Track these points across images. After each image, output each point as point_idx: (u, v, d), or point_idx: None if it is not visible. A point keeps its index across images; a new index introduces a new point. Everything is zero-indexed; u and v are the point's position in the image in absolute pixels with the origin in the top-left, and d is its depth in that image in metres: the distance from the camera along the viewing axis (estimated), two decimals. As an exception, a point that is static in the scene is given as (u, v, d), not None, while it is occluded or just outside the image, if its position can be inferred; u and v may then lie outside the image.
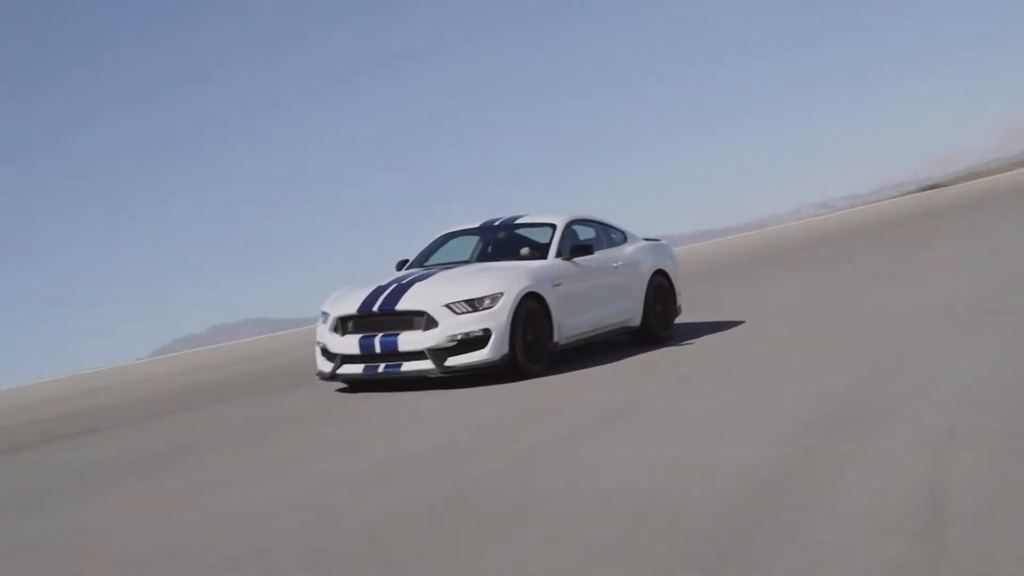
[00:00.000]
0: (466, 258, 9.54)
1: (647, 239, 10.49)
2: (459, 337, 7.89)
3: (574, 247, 9.02)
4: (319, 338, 8.55)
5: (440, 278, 8.39)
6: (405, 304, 8.06)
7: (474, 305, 7.93)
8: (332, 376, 8.36)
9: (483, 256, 9.50)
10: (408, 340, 7.97)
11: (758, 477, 4.09)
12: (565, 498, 4.10)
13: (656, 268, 10.05)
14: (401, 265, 9.57)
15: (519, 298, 8.07)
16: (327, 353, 8.44)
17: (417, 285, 8.25)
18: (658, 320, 9.93)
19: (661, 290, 10.05)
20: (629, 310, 9.63)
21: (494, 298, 7.97)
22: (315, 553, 3.69)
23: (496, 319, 7.92)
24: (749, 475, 4.13)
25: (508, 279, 8.16)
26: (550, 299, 8.42)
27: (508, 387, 7.77)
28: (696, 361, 8.26)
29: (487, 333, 7.89)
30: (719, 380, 7.19)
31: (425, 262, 9.55)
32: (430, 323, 7.94)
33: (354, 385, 8.58)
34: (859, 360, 7.10)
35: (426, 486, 4.61)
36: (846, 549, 3.10)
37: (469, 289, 8.03)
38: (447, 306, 7.94)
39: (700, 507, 3.72)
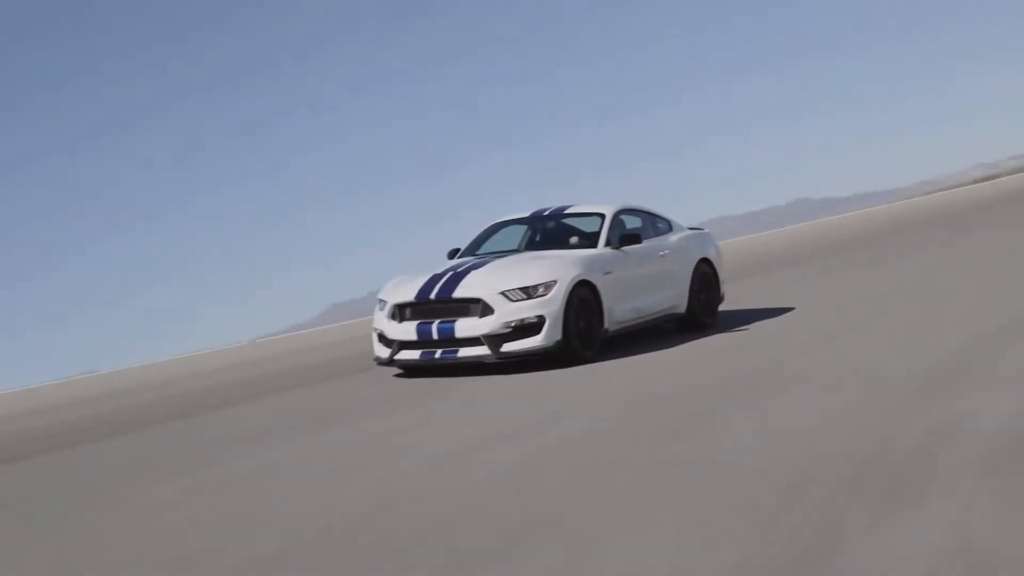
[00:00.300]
0: (515, 247, 9.76)
1: (691, 228, 10.69)
2: (514, 324, 8.13)
3: (623, 236, 9.23)
4: (376, 325, 8.81)
5: (494, 266, 8.62)
6: (462, 292, 8.29)
7: (528, 292, 8.16)
8: (390, 361, 8.62)
9: (532, 245, 9.72)
10: (465, 326, 8.21)
11: (940, 365, 6.03)
12: (807, 379, 6.09)
13: (701, 256, 10.26)
14: (453, 254, 9.80)
15: (572, 286, 8.29)
16: (384, 339, 8.70)
17: (473, 273, 8.49)
18: (703, 307, 10.14)
19: (705, 278, 10.26)
20: (675, 297, 9.84)
21: (547, 286, 8.19)
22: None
23: (550, 306, 8.15)
24: (934, 365, 6.04)
25: (561, 267, 8.38)
26: (601, 286, 8.64)
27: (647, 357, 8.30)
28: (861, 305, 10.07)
29: (541, 320, 8.12)
30: (885, 322, 8.54)
31: (477, 251, 9.78)
32: (486, 310, 8.17)
33: (411, 371, 8.85)
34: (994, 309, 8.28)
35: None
36: (1004, 388, 5.13)
37: (523, 277, 8.25)
38: (502, 294, 8.17)
39: (908, 374, 5.82)
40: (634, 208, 9.94)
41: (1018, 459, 3.78)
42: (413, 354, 8.48)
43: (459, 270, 8.65)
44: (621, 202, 9.83)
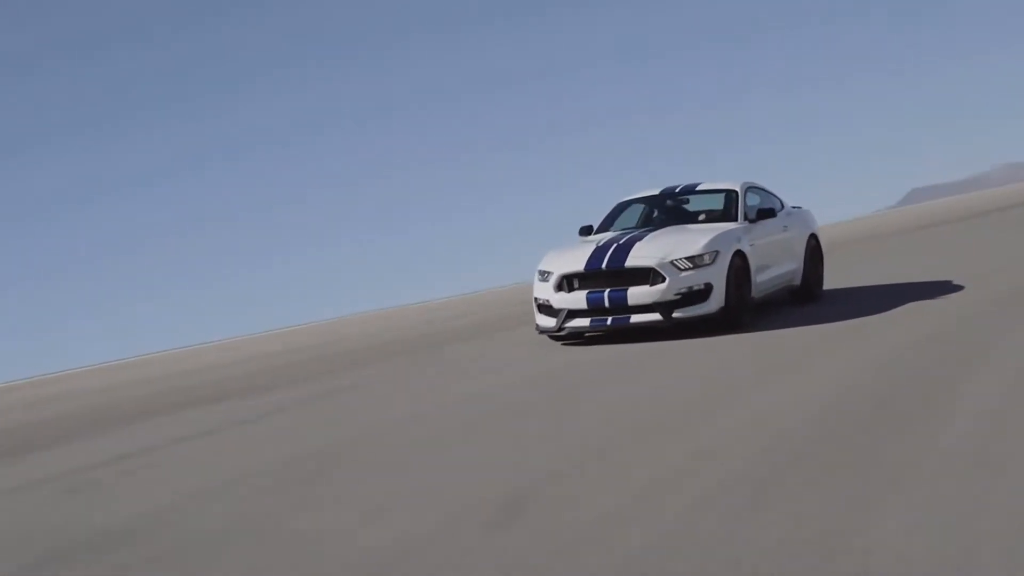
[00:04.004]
0: (643, 223, 10.21)
1: (793, 207, 11.28)
2: (684, 291, 8.61)
3: (759, 210, 9.78)
4: (539, 295, 9.19)
5: (654, 238, 9.06)
6: (633, 262, 8.73)
7: (695, 262, 8.65)
8: (559, 330, 9.02)
9: (658, 221, 10.17)
10: (637, 294, 8.67)
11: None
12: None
13: (811, 232, 10.89)
14: (587, 231, 10.18)
15: (732, 255, 8.81)
16: (548, 309, 9.10)
17: (638, 245, 8.93)
18: (815, 279, 10.78)
19: (815, 252, 10.89)
20: (795, 270, 10.45)
21: (712, 256, 8.70)
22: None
23: (716, 275, 8.65)
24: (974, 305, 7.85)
25: (722, 239, 8.88)
26: (750, 257, 9.18)
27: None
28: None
29: (709, 287, 8.62)
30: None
31: (610, 227, 10.20)
32: (656, 278, 8.63)
33: (573, 337, 9.28)
34: None
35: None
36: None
37: (689, 248, 8.72)
38: (672, 263, 8.65)
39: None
40: (754, 185, 10.49)
41: None
42: (583, 322, 8.90)
43: (621, 242, 9.08)
44: (745, 180, 10.34)
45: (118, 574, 3.51)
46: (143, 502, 4.69)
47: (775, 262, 9.93)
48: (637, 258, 8.78)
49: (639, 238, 9.14)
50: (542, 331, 9.26)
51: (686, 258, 8.67)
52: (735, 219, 9.66)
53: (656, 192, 10.55)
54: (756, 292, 9.39)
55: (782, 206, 10.81)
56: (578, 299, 8.89)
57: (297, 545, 3.54)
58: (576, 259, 9.04)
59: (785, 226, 10.35)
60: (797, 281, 10.55)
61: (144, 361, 21.00)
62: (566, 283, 9.01)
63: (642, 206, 10.57)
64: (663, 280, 8.63)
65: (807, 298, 10.69)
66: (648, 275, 8.69)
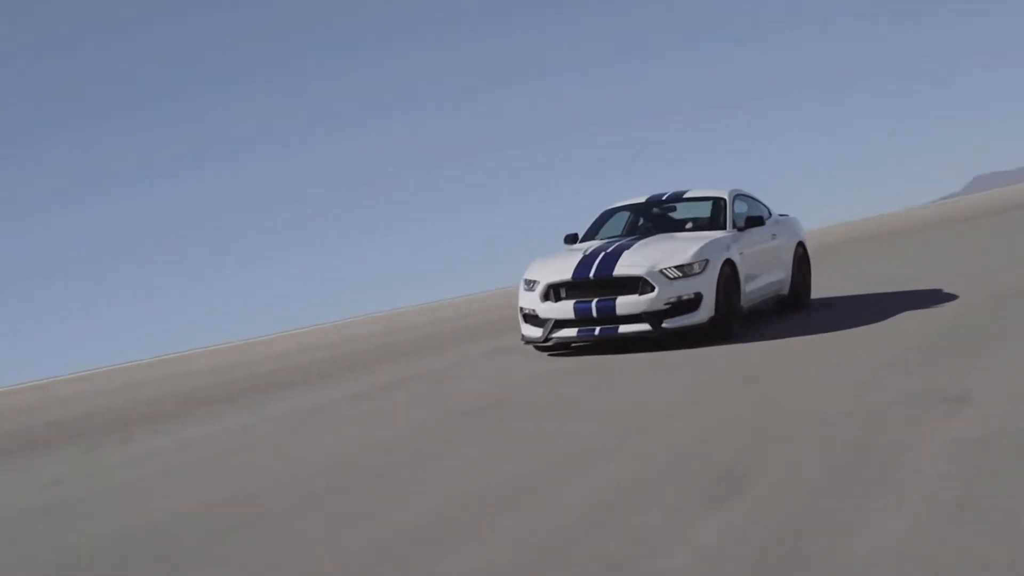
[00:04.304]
0: (630, 231, 10.02)
1: (780, 215, 11.11)
2: (673, 300, 8.41)
3: (748, 218, 9.60)
4: (524, 304, 8.96)
5: (645, 246, 8.86)
6: (621, 270, 8.53)
7: (684, 271, 8.45)
8: (545, 340, 8.80)
9: (644, 230, 9.97)
10: (625, 303, 8.45)
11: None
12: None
13: (798, 240, 10.73)
14: (572, 239, 9.97)
15: (721, 264, 8.63)
16: (534, 319, 8.88)
17: (626, 253, 8.73)
18: (804, 289, 10.61)
19: (803, 261, 10.73)
20: (783, 279, 10.28)
21: (702, 264, 8.50)
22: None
23: (706, 284, 8.46)
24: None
25: (711, 247, 8.70)
26: (740, 265, 9.00)
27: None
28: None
29: (699, 296, 8.43)
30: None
31: (595, 235, 9.99)
32: (646, 287, 8.42)
33: (560, 348, 9.08)
34: None
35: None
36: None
37: (679, 256, 8.53)
38: (661, 272, 8.45)
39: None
40: (742, 192, 10.31)
41: None
42: (570, 332, 8.68)
43: (608, 251, 8.87)
44: (730, 186, 10.17)
45: (496, 427, 5.79)
46: (477, 394, 7.38)
47: (764, 271, 9.77)
48: (626, 267, 8.57)
49: (627, 246, 8.94)
50: (528, 341, 9.03)
51: (676, 267, 8.48)
52: (723, 227, 9.48)
53: (643, 200, 10.35)
54: (745, 301, 9.22)
55: (769, 214, 10.65)
56: (565, 309, 8.68)
57: (572, 415, 6.02)
58: (563, 268, 8.82)
59: (773, 234, 10.18)
60: (785, 290, 10.39)
61: (223, 349, 22.59)
62: (553, 292, 8.79)
63: (628, 214, 10.38)
64: (652, 289, 8.43)
65: (795, 307, 10.53)
66: (637, 284, 8.48)
